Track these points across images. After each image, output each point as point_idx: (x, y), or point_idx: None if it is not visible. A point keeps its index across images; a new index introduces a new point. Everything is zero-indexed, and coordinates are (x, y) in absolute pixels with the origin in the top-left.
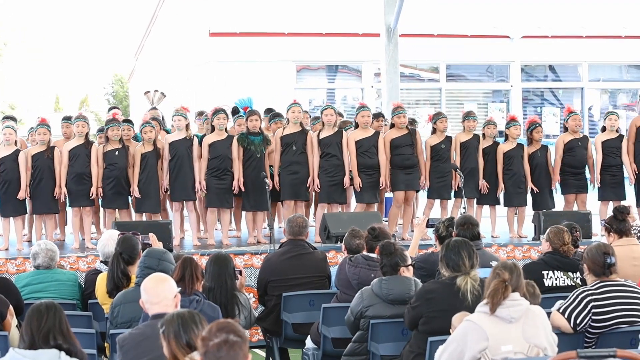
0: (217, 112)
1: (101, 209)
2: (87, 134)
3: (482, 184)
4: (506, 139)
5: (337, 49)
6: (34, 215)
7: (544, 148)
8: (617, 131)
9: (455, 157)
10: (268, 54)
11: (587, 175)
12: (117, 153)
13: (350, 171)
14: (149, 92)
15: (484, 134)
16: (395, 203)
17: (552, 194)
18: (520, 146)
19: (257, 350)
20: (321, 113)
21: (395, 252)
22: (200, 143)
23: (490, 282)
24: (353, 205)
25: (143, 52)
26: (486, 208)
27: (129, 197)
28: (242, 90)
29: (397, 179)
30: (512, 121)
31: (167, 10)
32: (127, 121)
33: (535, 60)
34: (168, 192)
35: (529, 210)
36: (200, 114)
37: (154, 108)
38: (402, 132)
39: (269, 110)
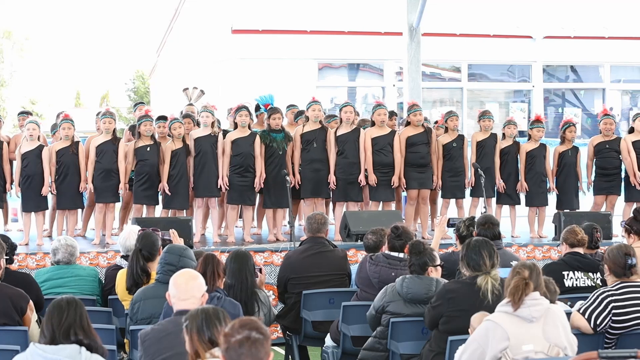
0: (239, 109)
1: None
2: (114, 130)
3: (500, 183)
4: (529, 138)
5: (359, 47)
6: (57, 211)
7: (575, 149)
8: None
9: (471, 156)
10: (290, 52)
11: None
12: (148, 149)
13: (366, 169)
14: (187, 88)
15: (504, 134)
16: (409, 201)
17: (577, 195)
18: (542, 146)
19: (276, 348)
20: (340, 110)
21: (424, 251)
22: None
23: (510, 280)
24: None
25: (165, 49)
26: (506, 208)
27: (159, 193)
28: (264, 87)
29: (410, 177)
30: (535, 122)
31: (189, 6)
32: (163, 118)
33: (557, 60)
34: (192, 189)
35: (550, 211)
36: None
37: (191, 104)
38: (418, 130)
39: (290, 106)
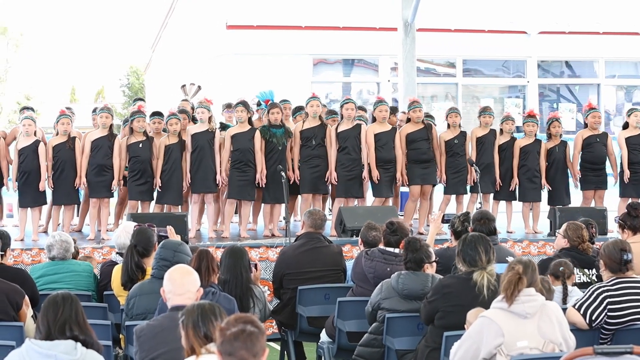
0: (237, 104)
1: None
2: (111, 126)
3: (497, 179)
4: (525, 134)
5: (354, 43)
6: (53, 206)
7: (563, 144)
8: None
9: (471, 152)
10: (285, 47)
11: (608, 171)
12: (140, 145)
13: (368, 164)
14: (184, 85)
15: (501, 130)
16: (411, 197)
17: (568, 190)
18: (537, 142)
19: (271, 344)
20: (341, 107)
21: (420, 248)
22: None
23: (505, 276)
24: (369, 199)
25: (159, 44)
26: (502, 203)
27: (153, 189)
28: (259, 83)
29: (413, 173)
30: (528, 117)
31: (184, 2)
32: (158, 114)
33: (552, 56)
34: (189, 184)
35: (544, 206)
36: (228, 106)
37: (186, 100)
38: (417, 126)
39: (282, 102)
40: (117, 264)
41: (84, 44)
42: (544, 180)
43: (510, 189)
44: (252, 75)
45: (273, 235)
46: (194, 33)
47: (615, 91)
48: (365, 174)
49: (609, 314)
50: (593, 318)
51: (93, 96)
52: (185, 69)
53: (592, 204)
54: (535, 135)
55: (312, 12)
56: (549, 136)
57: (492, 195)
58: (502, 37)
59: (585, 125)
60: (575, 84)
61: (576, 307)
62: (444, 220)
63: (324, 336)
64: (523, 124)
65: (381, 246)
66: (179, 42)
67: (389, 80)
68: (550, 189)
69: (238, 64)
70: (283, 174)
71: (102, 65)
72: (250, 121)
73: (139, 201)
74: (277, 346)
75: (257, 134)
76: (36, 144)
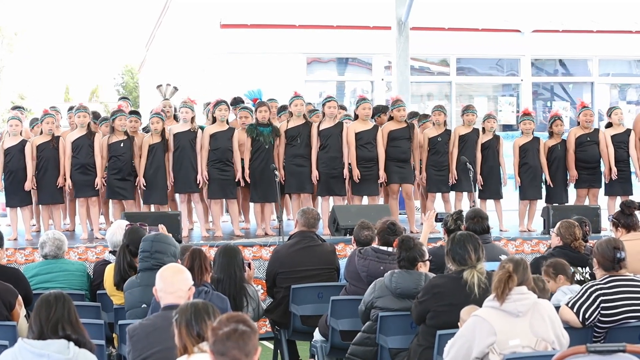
0: (218, 103)
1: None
2: (89, 125)
3: (478, 178)
4: (522, 132)
5: (348, 42)
6: (41, 206)
7: (564, 142)
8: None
9: (453, 149)
10: (279, 46)
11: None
12: (122, 144)
13: (349, 163)
14: (161, 85)
15: (483, 128)
16: (391, 195)
17: (566, 189)
18: (536, 140)
19: (265, 342)
20: (323, 105)
21: (414, 247)
22: None
23: (496, 274)
24: (364, 198)
25: (154, 43)
26: (490, 202)
27: (134, 188)
28: (253, 82)
29: (391, 170)
30: (523, 115)
31: (178, 1)
32: (135, 113)
33: (546, 54)
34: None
35: (540, 204)
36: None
37: (166, 99)
38: (400, 125)
39: (235, 101)
40: (110, 263)
41: (79, 43)
42: (548, 178)
43: (500, 189)
44: (246, 74)
45: (266, 234)
46: (188, 32)
47: (609, 89)
48: (345, 172)
49: (602, 312)
50: (586, 316)
51: (87, 95)
52: (180, 68)
53: (586, 202)
54: (533, 132)
55: (305, 11)
56: (551, 134)
57: (477, 193)
58: (496, 35)
59: (578, 124)
60: (569, 83)
61: (569, 305)
62: (437, 219)
63: (317, 335)
64: (519, 122)
65: (375, 245)
66: (173, 41)
67: (382, 79)
68: (553, 185)
69: (232, 63)
70: (276, 173)
71: (96, 65)
72: (227, 121)
73: (123, 200)
74: (270, 345)
75: (236, 133)
76: (22, 143)
